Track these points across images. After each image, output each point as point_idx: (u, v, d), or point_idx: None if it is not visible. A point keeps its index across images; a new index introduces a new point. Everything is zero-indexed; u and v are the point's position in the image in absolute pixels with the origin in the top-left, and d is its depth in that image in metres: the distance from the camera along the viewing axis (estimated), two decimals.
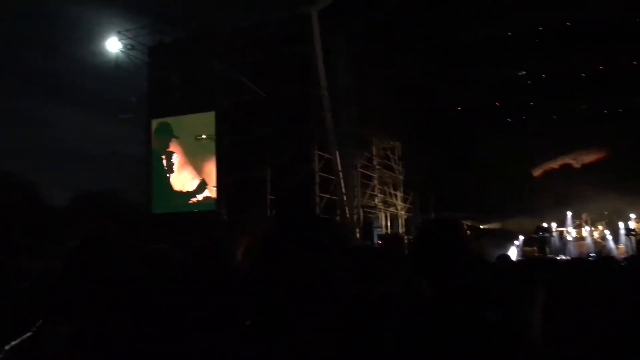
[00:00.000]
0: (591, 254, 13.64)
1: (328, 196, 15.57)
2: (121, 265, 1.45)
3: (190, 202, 16.93)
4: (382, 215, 18.25)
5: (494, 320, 1.65)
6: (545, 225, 19.43)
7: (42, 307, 2.05)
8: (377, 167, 17.99)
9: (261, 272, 1.02)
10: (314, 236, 1.10)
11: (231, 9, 16.09)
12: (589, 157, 20.13)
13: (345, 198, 15.07)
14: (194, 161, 17.03)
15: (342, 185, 15.00)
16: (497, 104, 18.87)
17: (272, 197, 15.69)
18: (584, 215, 19.29)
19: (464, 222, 18.21)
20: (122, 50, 17.87)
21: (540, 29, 15.71)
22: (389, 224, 18.71)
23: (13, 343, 2.00)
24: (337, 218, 14.87)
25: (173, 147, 17.33)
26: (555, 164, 21.03)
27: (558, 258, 12.59)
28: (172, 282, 1.73)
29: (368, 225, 17.01)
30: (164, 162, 17.43)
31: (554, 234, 19.56)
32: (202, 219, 16.04)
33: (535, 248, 18.60)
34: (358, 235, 15.26)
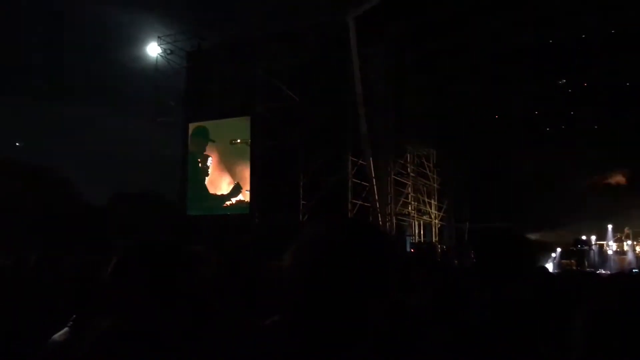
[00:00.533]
0: (634, 269, 13.16)
1: (360, 203, 15.51)
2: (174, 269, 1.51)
3: (225, 205, 17.13)
4: (415, 224, 18.07)
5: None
6: (584, 238, 18.87)
7: (83, 302, 2.09)
8: (412, 174, 17.83)
9: (314, 277, 1.00)
10: (380, 247, 1.08)
11: (269, 15, 16.26)
12: (632, 171, 19.48)
13: (378, 205, 14.99)
14: (229, 165, 17.24)
15: (376, 192, 14.92)
16: (536, 112, 18.46)
17: (305, 203, 15.72)
18: (626, 229, 18.66)
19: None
20: (162, 55, 18.29)
21: (583, 36, 15.30)
22: (422, 232, 18.50)
23: (54, 337, 2.04)
24: None
25: (209, 150, 17.59)
26: (597, 176, 20.42)
27: (598, 272, 12.20)
28: (207, 284, 1.75)
29: (401, 233, 16.86)
30: (200, 165, 17.71)
31: (593, 247, 18.97)
32: (235, 222, 16.21)
33: (573, 261, 18.06)
34: None
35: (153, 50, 18.61)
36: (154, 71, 18.33)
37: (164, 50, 18.27)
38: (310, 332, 1.00)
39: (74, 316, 2.09)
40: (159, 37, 18.49)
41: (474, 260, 2.04)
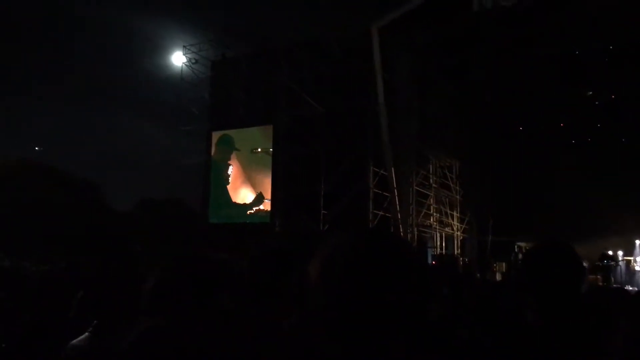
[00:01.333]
0: None
1: (382, 213, 15.42)
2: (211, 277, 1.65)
3: (246, 213, 17.20)
4: (436, 235, 17.88)
5: None
6: (610, 253, 18.44)
7: (106, 307, 2.10)
8: (434, 185, 17.67)
9: (343, 286, 1.01)
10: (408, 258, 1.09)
11: (292, 24, 16.39)
12: None
13: (399, 216, 14.88)
14: (251, 173, 17.33)
15: (397, 202, 14.82)
16: (562, 124, 18.17)
17: (325, 212, 15.70)
18: None
19: (519, 244, 17.60)
20: (187, 64, 18.54)
21: (611, 47, 15.05)
22: (443, 244, 18.30)
23: (73, 342, 2.05)
24: None
25: (232, 159, 17.73)
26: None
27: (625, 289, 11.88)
28: (232, 292, 1.75)
29: (422, 244, 16.70)
30: (223, 173, 17.85)
31: (620, 263, 18.53)
32: (255, 231, 16.27)
33: (598, 277, 17.64)
34: None
35: (178, 59, 18.90)
36: (179, 80, 18.60)
37: (189, 60, 18.52)
38: (337, 338, 1.01)
39: (95, 322, 2.10)
40: (184, 46, 18.77)
41: (521, 274, 2.00)
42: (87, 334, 2.07)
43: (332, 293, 0.99)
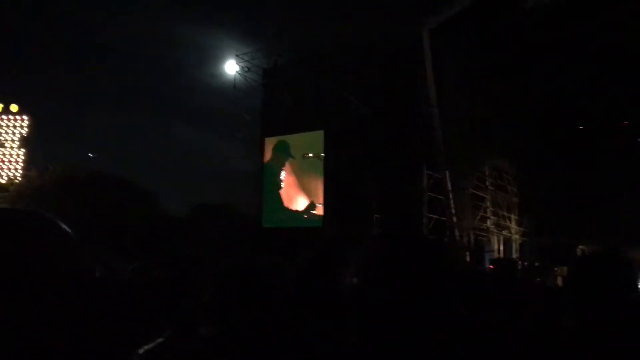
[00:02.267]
0: None
1: (436, 217, 15.16)
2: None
3: (300, 218, 17.33)
4: (494, 239, 17.40)
5: None
6: None
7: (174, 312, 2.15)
8: (490, 187, 17.22)
9: (370, 289, 1.03)
10: (426, 257, 1.11)
11: (343, 28, 16.44)
12: None
13: (454, 219, 14.60)
14: (303, 179, 17.45)
15: (452, 205, 14.55)
16: (625, 123, 17.30)
17: (378, 216, 15.58)
18: None
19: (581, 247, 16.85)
20: (239, 72, 18.93)
21: None
22: (501, 248, 17.80)
23: (146, 347, 2.09)
24: (446, 240, 14.41)
25: (286, 164, 17.93)
26: None
27: None
28: (285, 295, 1.78)
29: (479, 248, 16.30)
30: (276, 178, 18.07)
31: None
32: (308, 235, 16.34)
33: None
34: (468, 259, 14.66)
35: (231, 67, 19.33)
36: (232, 88, 19.01)
37: (242, 68, 18.90)
38: (370, 345, 1.04)
39: (170, 327, 2.13)
40: (237, 55, 19.18)
41: (571, 280, 1.93)
42: (160, 339, 2.10)
43: (365, 296, 1.02)
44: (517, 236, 18.36)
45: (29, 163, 22.83)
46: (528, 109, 16.21)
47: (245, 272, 1.76)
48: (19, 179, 21.87)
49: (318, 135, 17.08)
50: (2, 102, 22.81)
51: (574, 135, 17.97)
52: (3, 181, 21.45)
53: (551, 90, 15.69)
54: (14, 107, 22.74)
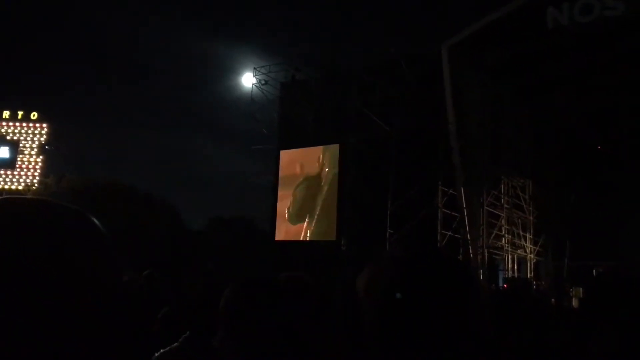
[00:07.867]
0: None
1: (450, 234, 15.07)
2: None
3: (312, 232, 17.30)
4: (508, 257, 17.21)
5: None
6: None
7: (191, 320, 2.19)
8: (506, 205, 17.07)
9: (386, 306, 1.02)
10: (451, 275, 1.08)
11: (361, 46, 16.54)
12: None
13: (469, 237, 14.49)
14: (317, 192, 17.43)
15: (467, 223, 14.44)
16: None
17: (392, 232, 15.52)
18: None
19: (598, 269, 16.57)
20: (256, 85, 19.07)
21: None
22: (515, 267, 17.59)
23: (161, 351, 2.12)
24: (460, 257, 14.30)
25: (301, 177, 17.92)
26: None
27: None
28: (309, 310, 1.79)
29: (493, 267, 16.14)
30: (291, 191, 18.06)
31: None
32: (321, 249, 16.31)
33: None
34: (482, 277, 14.52)
35: (248, 80, 19.50)
36: (249, 101, 19.16)
37: (259, 81, 19.04)
38: (380, 352, 1.01)
39: (188, 332, 2.15)
40: (254, 68, 19.35)
41: (585, 302, 1.92)
42: (176, 344, 2.13)
43: (375, 309, 1.00)
44: (532, 255, 18.15)
45: (46, 170, 23.12)
46: (548, 129, 16.13)
47: (267, 287, 1.78)
48: (36, 185, 22.16)
49: (333, 149, 17.11)
50: (22, 110, 23.20)
51: (593, 155, 17.80)
52: (20, 187, 21.74)
53: (571, 110, 15.60)
54: (34, 115, 23.14)
